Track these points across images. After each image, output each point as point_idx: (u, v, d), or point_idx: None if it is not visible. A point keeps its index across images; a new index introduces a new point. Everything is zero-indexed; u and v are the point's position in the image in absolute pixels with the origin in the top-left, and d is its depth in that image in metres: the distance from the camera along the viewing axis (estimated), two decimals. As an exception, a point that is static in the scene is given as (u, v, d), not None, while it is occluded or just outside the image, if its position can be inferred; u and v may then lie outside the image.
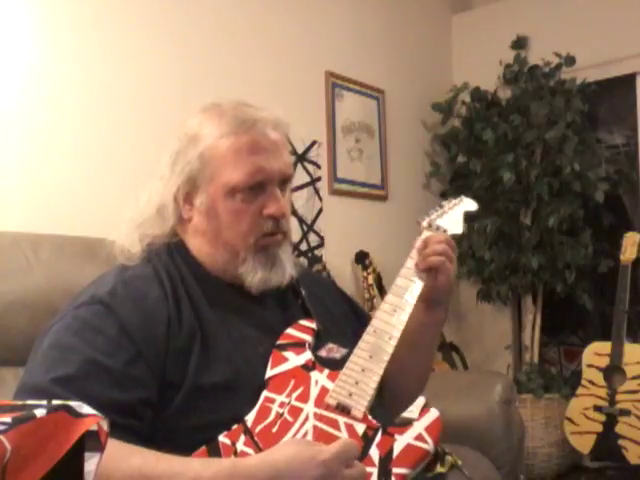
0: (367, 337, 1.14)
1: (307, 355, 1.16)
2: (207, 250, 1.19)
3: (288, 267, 1.20)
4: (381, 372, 1.10)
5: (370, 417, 1.06)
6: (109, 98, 2.27)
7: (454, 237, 1.25)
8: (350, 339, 1.25)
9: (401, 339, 1.14)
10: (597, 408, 3.06)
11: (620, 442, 2.97)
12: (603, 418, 3.04)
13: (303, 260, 2.92)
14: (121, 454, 0.92)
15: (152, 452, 0.96)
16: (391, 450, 1.01)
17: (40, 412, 0.56)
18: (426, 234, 1.24)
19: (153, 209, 1.21)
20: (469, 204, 1.36)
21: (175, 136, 1.22)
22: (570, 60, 3.42)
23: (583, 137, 3.39)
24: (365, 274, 3.10)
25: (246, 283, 1.17)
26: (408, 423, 1.05)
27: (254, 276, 1.17)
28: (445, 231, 1.25)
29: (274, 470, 0.90)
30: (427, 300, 1.22)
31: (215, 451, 1.01)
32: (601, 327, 3.49)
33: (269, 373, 1.13)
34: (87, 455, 0.59)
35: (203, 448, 1.01)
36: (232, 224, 1.16)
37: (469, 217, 1.35)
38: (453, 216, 1.31)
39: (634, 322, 3.36)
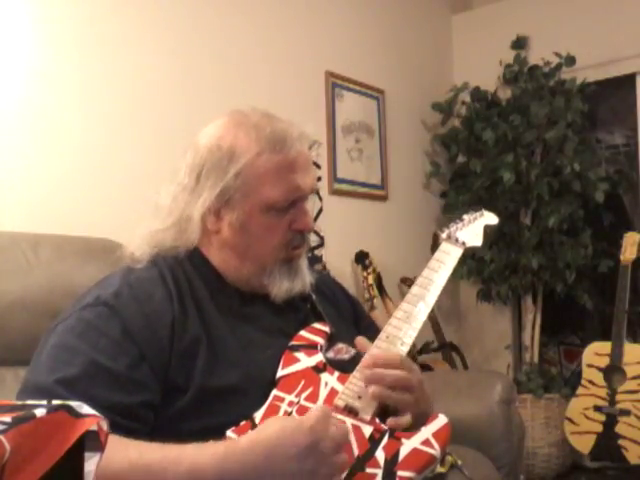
0: (379, 343, 1.14)
1: (318, 357, 1.17)
2: (233, 262, 1.20)
3: (307, 275, 1.23)
4: None
5: (377, 420, 1.06)
6: (109, 98, 2.27)
7: (473, 249, 1.26)
8: None
9: None
10: (597, 408, 3.06)
11: (620, 442, 2.97)
12: (603, 418, 3.04)
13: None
14: (117, 447, 0.92)
15: (147, 443, 0.96)
16: (397, 453, 1.01)
17: (40, 412, 0.56)
18: (445, 246, 1.25)
19: (173, 219, 1.19)
20: (490, 218, 1.37)
21: (197, 144, 1.19)
22: (570, 60, 3.42)
23: (583, 137, 3.39)
24: (365, 274, 3.09)
25: (272, 293, 1.19)
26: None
27: (280, 287, 1.19)
28: (464, 243, 1.26)
29: (267, 446, 0.91)
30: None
31: None
32: (601, 327, 3.49)
33: (280, 373, 1.14)
34: (87, 455, 0.59)
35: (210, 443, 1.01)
36: (264, 239, 1.18)
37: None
38: (473, 229, 1.32)
39: (634, 322, 3.36)
